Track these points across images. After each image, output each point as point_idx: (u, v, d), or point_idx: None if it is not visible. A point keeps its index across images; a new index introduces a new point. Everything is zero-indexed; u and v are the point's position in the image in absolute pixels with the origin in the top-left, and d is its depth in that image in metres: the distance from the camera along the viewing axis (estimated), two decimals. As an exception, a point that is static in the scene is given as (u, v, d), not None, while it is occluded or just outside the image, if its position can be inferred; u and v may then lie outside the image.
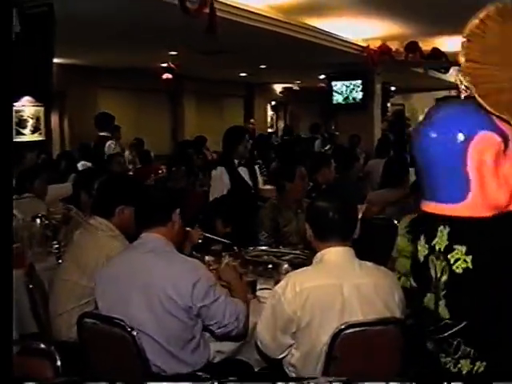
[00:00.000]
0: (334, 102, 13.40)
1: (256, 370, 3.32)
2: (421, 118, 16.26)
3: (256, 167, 6.20)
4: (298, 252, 4.44)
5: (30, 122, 12.21)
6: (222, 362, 3.28)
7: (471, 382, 2.55)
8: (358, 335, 2.78)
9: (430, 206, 2.40)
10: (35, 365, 2.37)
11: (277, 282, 3.51)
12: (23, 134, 12.04)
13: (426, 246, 2.60)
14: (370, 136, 12.79)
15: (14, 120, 11.81)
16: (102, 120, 9.03)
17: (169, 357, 3.02)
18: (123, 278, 3.06)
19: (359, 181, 8.15)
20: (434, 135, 2.23)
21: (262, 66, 13.77)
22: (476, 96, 2.30)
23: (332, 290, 2.81)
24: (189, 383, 2.97)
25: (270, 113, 20.45)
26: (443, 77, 15.62)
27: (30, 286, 3.70)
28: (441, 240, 2.51)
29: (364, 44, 11.37)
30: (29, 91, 6.97)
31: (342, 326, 2.74)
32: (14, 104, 11.55)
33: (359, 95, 13.12)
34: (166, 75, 13.00)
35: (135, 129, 13.84)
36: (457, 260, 2.42)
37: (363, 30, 10.45)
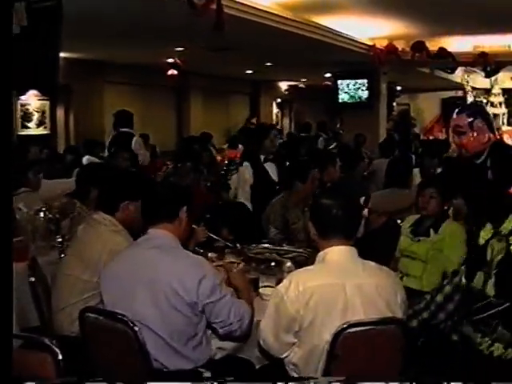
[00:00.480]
0: (340, 100, 13.38)
1: (257, 367, 3.33)
2: (426, 117, 16.37)
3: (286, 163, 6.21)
4: (300, 250, 4.45)
5: (36, 116, 12.25)
6: (224, 359, 3.29)
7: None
8: (360, 335, 2.78)
9: None
10: (37, 359, 2.37)
11: (279, 280, 3.51)
12: (28, 128, 12.07)
13: (492, 231, 3.15)
14: (375, 135, 12.76)
15: (20, 113, 11.86)
16: (123, 117, 9.19)
17: (171, 352, 3.02)
18: (128, 274, 3.06)
19: (364, 180, 8.15)
20: None
21: (268, 64, 13.76)
22: None
23: (335, 289, 2.80)
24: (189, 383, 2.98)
25: (275, 110, 20.44)
26: (449, 77, 15.60)
27: (33, 280, 3.70)
28: (508, 225, 3.07)
29: (370, 43, 11.35)
30: (34, 85, 6.98)
31: (344, 326, 2.73)
32: (20, 97, 11.58)
33: (365, 94, 13.10)
34: (172, 71, 12.99)
35: (141, 124, 13.81)
36: None
37: (370, 29, 10.45)
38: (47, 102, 12.43)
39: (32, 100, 12.05)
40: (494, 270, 3.15)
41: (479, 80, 16.61)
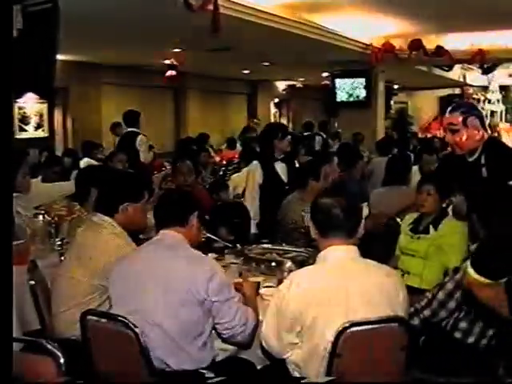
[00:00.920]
0: (338, 99, 13.38)
1: (259, 367, 3.33)
2: (424, 115, 16.40)
3: (296, 162, 6.18)
4: (301, 250, 4.44)
5: (33, 119, 12.23)
6: (225, 361, 3.29)
7: None
8: (362, 334, 2.77)
9: None
10: (39, 363, 2.37)
11: (280, 280, 3.51)
12: (26, 131, 12.06)
13: None
14: (373, 134, 12.77)
15: (17, 117, 11.84)
16: (130, 116, 9.65)
17: (177, 350, 3.04)
18: (140, 271, 3.13)
19: (362, 179, 8.15)
20: None
21: (266, 64, 13.74)
22: None
23: (336, 289, 2.80)
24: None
25: (273, 110, 20.44)
26: (447, 75, 15.60)
27: (33, 283, 3.69)
28: None
29: (368, 42, 11.35)
30: (32, 88, 6.97)
31: (346, 325, 2.73)
32: (17, 100, 11.57)
33: (362, 93, 13.09)
34: (170, 72, 12.99)
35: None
36: None
37: (367, 28, 10.44)
38: (45, 105, 12.41)
39: (29, 103, 12.02)
40: None
41: (476, 77, 16.62)
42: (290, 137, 5.98)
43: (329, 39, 10.11)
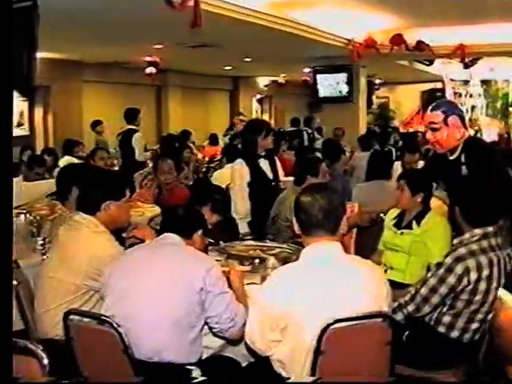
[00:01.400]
0: (320, 95, 13.41)
1: (244, 364, 3.32)
2: (406, 110, 16.41)
3: (276, 158, 6.15)
4: (284, 246, 4.44)
5: (14, 117, 12.14)
6: (209, 359, 3.28)
7: None
8: (347, 330, 2.77)
9: None
10: (23, 363, 2.35)
11: (263, 277, 3.51)
12: (7, 129, 11.96)
13: None
14: (355, 129, 12.81)
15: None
16: (129, 114, 9.89)
17: (168, 341, 3.05)
18: (140, 263, 3.23)
19: (345, 174, 8.18)
20: None
21: (247, 60, 13.74)
22: None
23: (319, 285, 2.79)
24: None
25: (255, 106, 20.43)
26: (428, 69, 15.67)
27: (15, 283, 3.66)
28: None
29: (349, 37, 11.36)
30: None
31: (330, 321, 2.72)
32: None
33: (345, 88, 13.12)
34: (151, 69, 12.95)
35: (120, 123, 13.74)
36: None
37: (349, 24, 10.45)
38: (25, 103, 12.33)
39: (10, 101, 11.94)
40: None
41: (458, 71, 16.69)
42: (272, 133, 5.95)
43: (310, 35, 10.12)
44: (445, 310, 3.48)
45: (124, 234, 4.04)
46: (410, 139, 12.07)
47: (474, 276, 3.35)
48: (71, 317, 3.12)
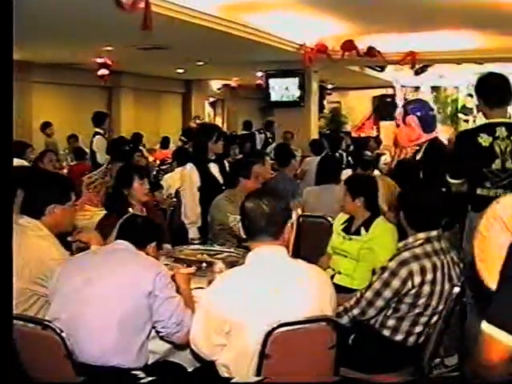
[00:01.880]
0: (272, 99, 13.46)
1: (190, 370, 3.31)
2: (357, 115, 16.51)
3: (225, 162, 6.11)
4: (231, 250, 4.44)
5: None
6: (155, 364, 3.27)
7: None
8: (291, 334, 2.78)
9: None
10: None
11: (210, 281, 3.50)
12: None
13: (490, 138, 3.96)
14: (306, 133, 12.88)
15: None
16: (95, 117, 9.97)
17: (114, 345, 3.02)
18: (90, 266, 3.22)
19: (295, 178, 8.22)
20: None
21: (200, 63, 13.70)
22: None
23: (264, 289, 2.80)
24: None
25: (207, 109, 20.39)
26: (379, 75, 15.83)
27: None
28: (500, 133, 3.98)
29: (301, 42, 11.41)
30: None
31: (274, 325, 2.73)
32: None
33: (296, 93, 13.18)
34: (102, 71, 12.81)
35: (71, 125, 13.60)
36: None
37: (300, 28, 10.50)
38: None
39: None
40: (510, 154, 4.04)
41: (409, 78, 16.90)
42: (221, 138, 5.93)
43: (261, 39, 10.14)
44: (389, 313, 3.51)
45: (69, 238, 3.98)
46: (361, 144, 12.19)
47: (417, 279, 3.39)
48: (14, 322, 3.06)
